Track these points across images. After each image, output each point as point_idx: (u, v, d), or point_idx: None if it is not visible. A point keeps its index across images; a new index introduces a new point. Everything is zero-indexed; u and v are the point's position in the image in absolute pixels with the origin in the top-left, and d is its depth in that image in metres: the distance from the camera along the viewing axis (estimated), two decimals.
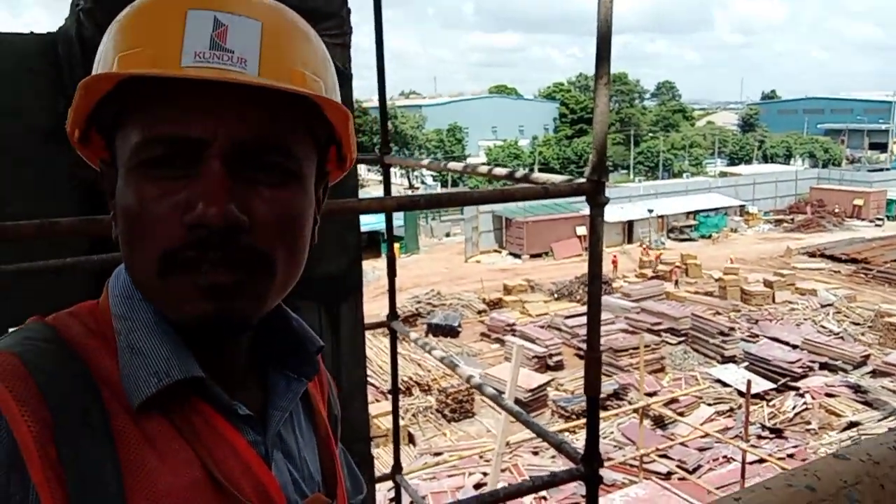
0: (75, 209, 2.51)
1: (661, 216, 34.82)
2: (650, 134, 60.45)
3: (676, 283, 25.45)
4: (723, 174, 50.22)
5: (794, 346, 17.93)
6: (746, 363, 17.53)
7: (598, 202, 2.46)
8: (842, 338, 19.25)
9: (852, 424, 14.34)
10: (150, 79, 0.63)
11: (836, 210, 38.83)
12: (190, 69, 0.62)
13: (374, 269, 19.52)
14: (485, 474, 12.44)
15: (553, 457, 12.80)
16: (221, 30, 0.63)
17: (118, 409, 0.64)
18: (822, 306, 22.15)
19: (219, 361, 0.73)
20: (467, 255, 32.06)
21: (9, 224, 1.63)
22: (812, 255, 29.65)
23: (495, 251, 33.09)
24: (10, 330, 0.69)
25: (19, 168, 2.41)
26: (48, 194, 2.47)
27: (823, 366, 17.23)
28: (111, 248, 2.28)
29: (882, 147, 66.88)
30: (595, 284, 2.61)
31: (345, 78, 2.75)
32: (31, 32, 2.45)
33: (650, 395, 14.59)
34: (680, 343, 19.20)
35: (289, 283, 0.72)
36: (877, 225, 36.75)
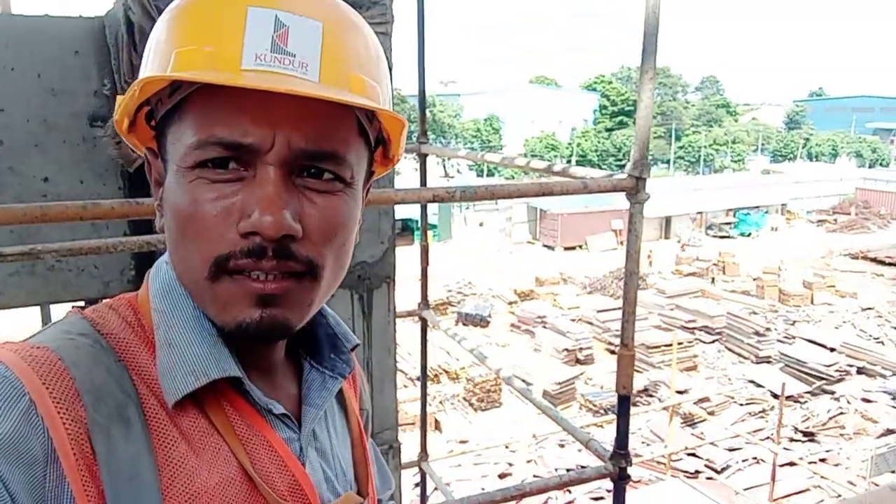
0: (118, 190, 2.56)
1: (700, 212, 34.23)
2: (692, 128, 59.33)
3: (713, 280, 25.05)
4: (765, 172, 49.14)
5: (832, 349, 17.51)
6: (781, 364, 17.20)
7: (638, 199, 2.42)
8: (882, 343, 18.75)
9: (889, 432, 14.01)
10: None
11: (882, 212, 37.71)
12: (250, 73, 0.60)
13: (405, 257, 19.58)
14: (510, 464, 12.47)
15: (580, 449, 12.75)
16: (283, 31, 0.62)
17: (154, 404, 0.64)
18: (863, 310, 21.61)
19: (256, 358, 0.73)
20: (500, 245, 31.96)
21: (54, 204, 1.67)
22: (854, 257, 28.89)
23: (529, 242, 32.93)
24: (49, 323, 0.69)
25: (65, 148, 2.46)
26: (93, 175, 2.52)
27: (861, 370, 16.83)
28: (152, 230, 2.32)
29: None
30: (632, 282, 2.58)
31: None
32: (80, 16, 2.49)
33: (681, 392, 14.42)
34: (714, 341, 18.93)
35: (333, 288, 0.72)
36: None
